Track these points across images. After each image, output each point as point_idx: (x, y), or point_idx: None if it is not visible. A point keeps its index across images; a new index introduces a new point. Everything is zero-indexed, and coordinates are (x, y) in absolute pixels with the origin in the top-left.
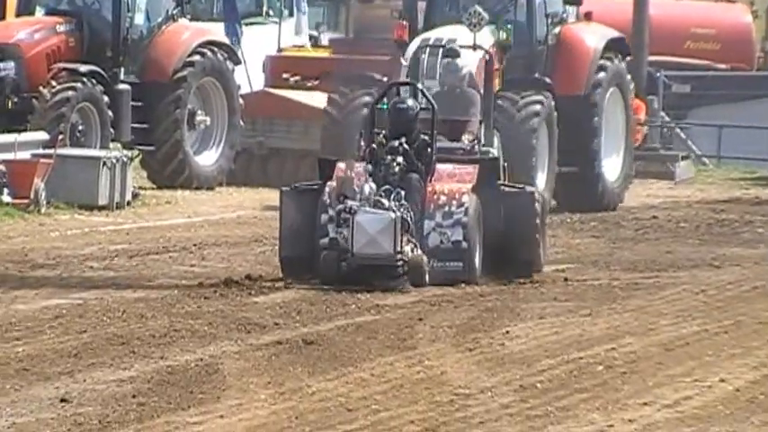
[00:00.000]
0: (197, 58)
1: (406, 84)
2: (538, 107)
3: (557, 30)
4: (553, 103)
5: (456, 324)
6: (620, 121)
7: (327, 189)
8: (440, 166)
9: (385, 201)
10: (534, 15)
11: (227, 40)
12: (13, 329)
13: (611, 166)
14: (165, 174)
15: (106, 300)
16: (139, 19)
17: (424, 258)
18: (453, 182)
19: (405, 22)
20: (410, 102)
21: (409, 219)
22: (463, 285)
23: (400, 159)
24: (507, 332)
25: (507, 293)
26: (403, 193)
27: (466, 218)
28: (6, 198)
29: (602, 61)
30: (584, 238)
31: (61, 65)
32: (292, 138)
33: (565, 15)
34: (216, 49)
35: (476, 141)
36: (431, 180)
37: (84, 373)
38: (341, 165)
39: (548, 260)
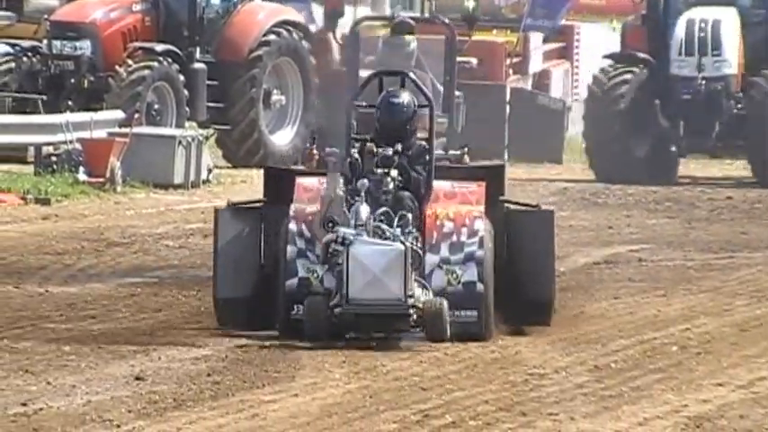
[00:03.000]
0: (272, 37)
1: (394, 73)
2: None
3: None
4: None
5: None
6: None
7: (294, 211)
8: (436, 184)
9: (386, 228)
10: None
11: (302, 19)
12: (89, 308)
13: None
14: (240, 153)
15: (181, 278)
16: None
17: (445, 305)
18: (455, 203)
19: None
20: (405, 97)
21: (420, 251)
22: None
23: (395, 173)
24: (582, 312)
25: (581, 274)
26: (410, 216)
27: (481, 251)
28: (82, 176)
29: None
30: (659, 218)
31: (137, 44)
32: None
33: None
34: (291, 28)
35: (466, 147)
36: (428, 201)
37: (159, 352)
38: (320, 180)
39: (623, 241)
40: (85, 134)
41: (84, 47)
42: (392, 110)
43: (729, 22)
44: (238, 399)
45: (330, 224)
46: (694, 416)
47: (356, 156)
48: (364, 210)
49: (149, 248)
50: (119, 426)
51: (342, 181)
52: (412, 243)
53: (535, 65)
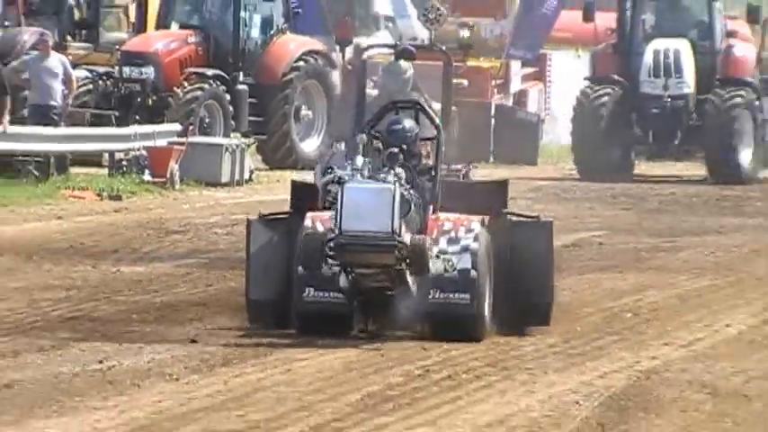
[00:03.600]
0: (301, 63)
1: (407, 102)
2: None
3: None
4: None
5: None
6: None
7: (310, 214)
8: (442, 215)
9: (382, 175)
10: None
11: (325, 49)
12: (152, 284)
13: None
14: (275, 157)
15: (228, 259)
16: (255, 32)
17: (428, 242)
18: (464, 214)
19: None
20: (407, 123)
21: (412, 203)
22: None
23: (400, 170)
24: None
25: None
26: (404, 175)
27: (476, 244)
28: (147, 177)
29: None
30: (616, 209)
31: (191, 69)
32: None
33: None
34: (316, 56)
35: (469, 164)
36: (436, 210)
37: (210, 320)
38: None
39: (586, 228)
40: (150, 143)
41: (149, 72)
42: (395, 135)
43: (686, 51)
44: (274, 357)
45: (329, 170)
46: (645, 370)
47: (367, 159)
48: (360, 159)
49: (202, 235)
50: (177, 379)
51: (343, 145)
52: (402, 191)
53: (515, 86)
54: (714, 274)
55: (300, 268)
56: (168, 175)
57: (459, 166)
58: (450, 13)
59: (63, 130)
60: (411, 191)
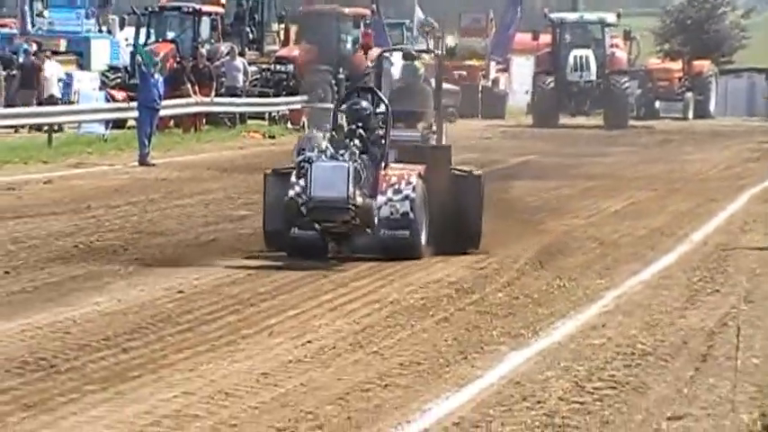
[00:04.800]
0: (375, 63)
1: (366, 89)
2: None
3: None
4: None
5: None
6: None
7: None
8: (393, 165)
9: (340, 156)
10: None
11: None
12: None
13: None
14: None
15: None
16: (348, 45)
17: (374, 204)
18: (407, 170)
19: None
20: (364, 103)
21: (362, 173)
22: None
23: (357, 141)
24: (505, 188)
25: (507, 169)
26: (357, 151)
27: (413, 194)
28: (290, 125)
29: None
30: (547, 143)
31: (313, 66)
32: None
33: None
34: (385, 59)
35: (430, 130)
36: (385, 167)
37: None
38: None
39: (529, 152)
40: (290, 107)
41: (290, 68)
42: (353, 111)
43: (590, 56)
44: (295, 323)
45: (302, 150)
46: (562, 231)
47: (333, 133)
48: (324, 143)
49: None
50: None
51: (315, 131)
52: (356, 165)
53: (491, 75)
54: (601, 179)
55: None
56: (300, 124)
57: (420, 133)
58: (460, 36)
59: (243, 100)
60: (363, 157)
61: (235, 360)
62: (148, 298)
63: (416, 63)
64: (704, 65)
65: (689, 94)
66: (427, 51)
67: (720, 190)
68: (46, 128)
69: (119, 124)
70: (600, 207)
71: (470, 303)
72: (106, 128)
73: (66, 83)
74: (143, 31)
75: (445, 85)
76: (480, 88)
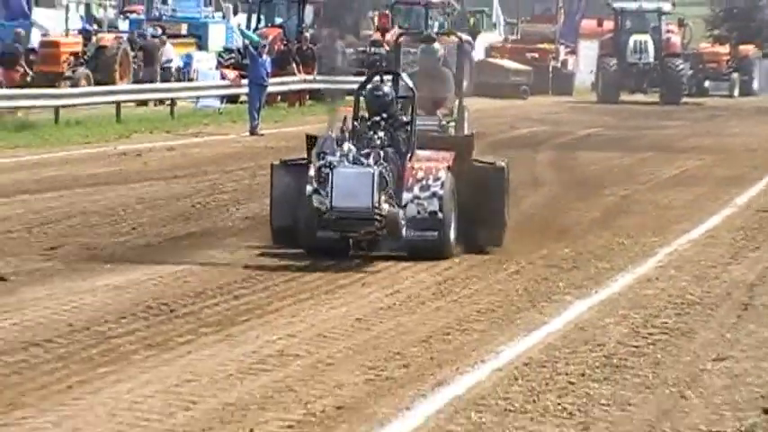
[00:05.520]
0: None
1: (389, 72)
2: None
3: None
4: None
5: None
6: None
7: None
8: (419, 152)
9: (364, 159)
10: None
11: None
12: None
13: None
14: None
15: None
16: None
17: (401, 213)
18: (435, 161)
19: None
20: (386, 88)
21: (388, 177)
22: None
23: (381, 134)
24: (573, 158)
25: (568, 141)
26: (382, 153)
27: (442, 191)
28: None
29: None
30: (611, 118)
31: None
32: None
33: None
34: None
35: (452, 117)
36: (410, 159)
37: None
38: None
39: (591, 126)
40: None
41: (384, 51)
42: (375, 97)
43: (648, 41)
44: (385, 275)
45: (322, 155)
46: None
47: (356, 123)
48: (347, 145)
49: None
50: None
51: (335, 129)
52: (381, 170)
53: (561, 57)
54: (657, 150)
55: (308, 214)
56: None
57: (439, 120)
58: (523, 24)
59: (341, 78)
60: (389, 150)
61: (332, 307)
62: (257, 252)
63: (435, 45)
64: (749, 49)
65: (735, 75)
66: (449, 33)
67: (762, 160)
68: (168, 102)
69: (232, 99)
70: (655, 174)
71: (539, 258)
72: (221, 102)
73: (186, 62)
74: (254, 17)
75: (517, 65)
76: (551, 69)
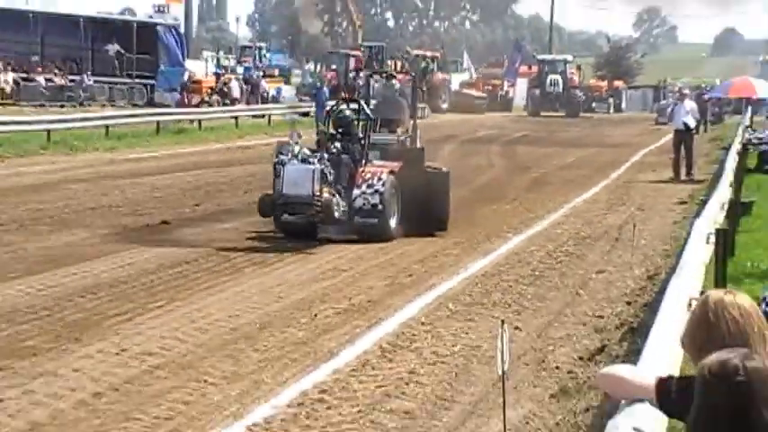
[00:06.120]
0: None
1: (353, 100)
2: None
3: None
4: None
5: None
6: None
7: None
8: (376, 162)
9: (310, 159)
10: None
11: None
12: None
13: None
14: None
15: None
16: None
17: (335, 200)
18: (381, 167)
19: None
20: (347, 111)
21: (328, 174)
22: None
23: (338, 144)
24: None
25: (506, 140)
26: (326, 155)
27: (383, 189)
28: None
29: None
30: (535, 126)
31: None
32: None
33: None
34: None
35: (407, 134)
36: (364, 165)
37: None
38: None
39: (520, 130)
40: None
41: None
42: (339, 118)
43: (559, 79)
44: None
45: (279, 154)
46: (536, 176)
47: (323, 135)
48: (297, 147)
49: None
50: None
51: (295, 136)
52: (322, 168)
53: (505, 88)
54: (562, 145)
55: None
56: None
57: (397, 136)
58: (482, 68)
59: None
60: (344, 157)
61: (359, 245)
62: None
63: (393, 81)
64: (619, 83)
65: (611, 99)
66: (405, 72)
67: (628, 150)
68: (266, 115)
69: (305, 114)
70: (561, 160)
71: (491, 211)
72: (298, 116)
73: (277, 92)
74: (319, 65)
75: (478, 93)
76: (499, 96)
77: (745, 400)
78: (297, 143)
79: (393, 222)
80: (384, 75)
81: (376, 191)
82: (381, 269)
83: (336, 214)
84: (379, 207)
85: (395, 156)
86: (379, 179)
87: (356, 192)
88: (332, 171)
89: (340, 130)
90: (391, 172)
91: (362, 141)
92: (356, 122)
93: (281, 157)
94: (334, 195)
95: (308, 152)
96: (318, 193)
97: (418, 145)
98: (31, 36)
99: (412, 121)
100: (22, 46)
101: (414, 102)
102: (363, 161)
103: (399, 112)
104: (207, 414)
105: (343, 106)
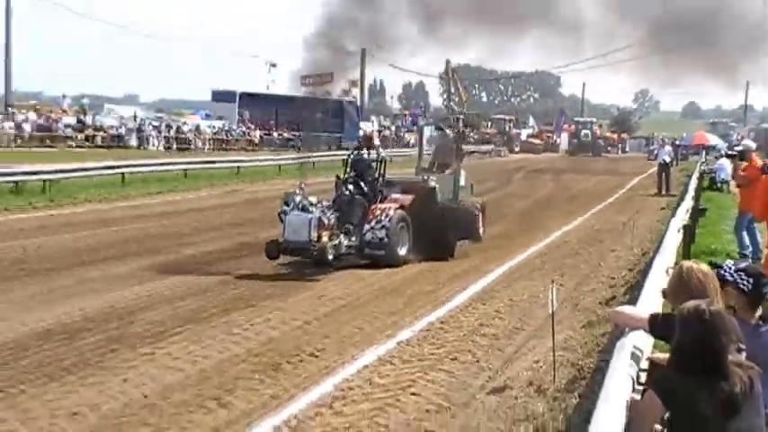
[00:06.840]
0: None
1: (370, 146)
2: None
3: None
4: None
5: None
6: None
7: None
8: (392, 196)
9: (310, 207)
10: None
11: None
12: None
13: None
14: None
15: None
16: None
17: (329, 245)
18: (392, 203)
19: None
20: (365, 155)
21: (326, 219)
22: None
23: (351, 187)
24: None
25: (512, 179)
26: (326, 203)
27: (389, 224)
28: None
29: None
30: (570, 162)
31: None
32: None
33: None
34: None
35: (453, 173)
36: (376, 202)
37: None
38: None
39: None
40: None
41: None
42: (356, 161)
43: (589, 132)
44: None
45: (285, 204)
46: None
47: (339, 178)
48: (298, 197)
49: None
50: None
51: (300, 184)
52: (320, 215)
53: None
54: (588, 173)
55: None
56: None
57: (420, 176)
58: (541, 126)
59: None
60: (358, 198)
61: (389, 272)
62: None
63: (447, 131)
64: (625, 135)
65: (619, 145)
66: (451, 126)
67: (629, 176)
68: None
69: None
70: (588, 183)
71: (545, 215)
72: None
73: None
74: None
75: (537, 140)
76: (550, 142)
77: (710, 330)
78: (299, 194)
79: (403, 251)
80: (438, 128)
81: (383, 226)
82: (405, 286)
83: (330, 257)
84: (385, 240)
85: (410, 191)
86: (387, 215)
87: (366, 227)
88: (338, 213)
89: (353, 173)
90: (401, 207)
91: (376, 181)
92: (372, 165)
93: (284, 207)
94: (333, 236)
95: (310, 200)
96: (316, 239)
97: (462, 183)
98: (270, 108)
99: (456, 163)
100: (263, 114)
101: (458, 150)
102: (376, 199)
103: (450, 157)
104: (371, 335)
105: (364, 152)
